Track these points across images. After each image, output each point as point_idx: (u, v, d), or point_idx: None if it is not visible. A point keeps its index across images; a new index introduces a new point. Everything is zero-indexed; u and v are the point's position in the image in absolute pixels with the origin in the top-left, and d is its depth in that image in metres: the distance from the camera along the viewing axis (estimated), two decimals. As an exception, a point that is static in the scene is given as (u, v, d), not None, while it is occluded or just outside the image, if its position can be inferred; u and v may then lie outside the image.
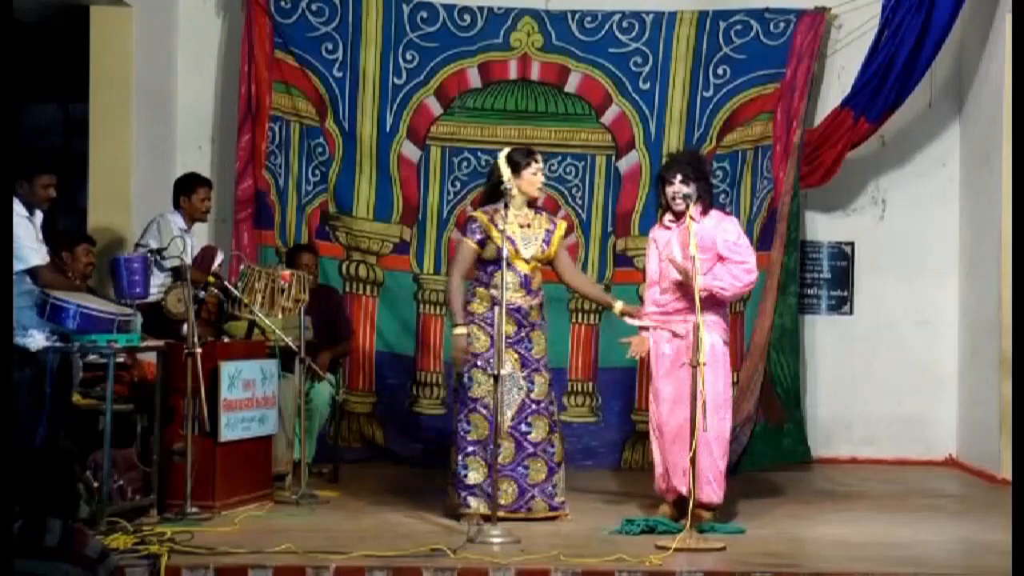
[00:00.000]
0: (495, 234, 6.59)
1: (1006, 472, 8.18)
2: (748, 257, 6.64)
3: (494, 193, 6.73)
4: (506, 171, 6.67)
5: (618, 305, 6.85)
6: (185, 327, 6.83)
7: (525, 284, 6.66)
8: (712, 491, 6.52)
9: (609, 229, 9.27)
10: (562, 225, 6.92)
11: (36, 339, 6.27)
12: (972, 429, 9.17)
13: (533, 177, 6.69)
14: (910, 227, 9.56)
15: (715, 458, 6.53)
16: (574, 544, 6.02)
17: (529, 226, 6.70)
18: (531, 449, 6.60)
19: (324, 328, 8.16)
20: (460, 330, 6.62)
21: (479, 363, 6.59)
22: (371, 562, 5.64)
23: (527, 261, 6.67)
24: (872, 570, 5.75)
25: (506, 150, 6.83)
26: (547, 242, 6.76)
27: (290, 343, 7.32)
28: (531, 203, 6.78)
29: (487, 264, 6.69)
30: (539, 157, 6.79)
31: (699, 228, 6.49)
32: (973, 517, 7.21)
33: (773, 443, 8.78)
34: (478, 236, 6.67)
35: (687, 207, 6.45)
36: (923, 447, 9.51)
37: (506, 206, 6.57)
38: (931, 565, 5.88)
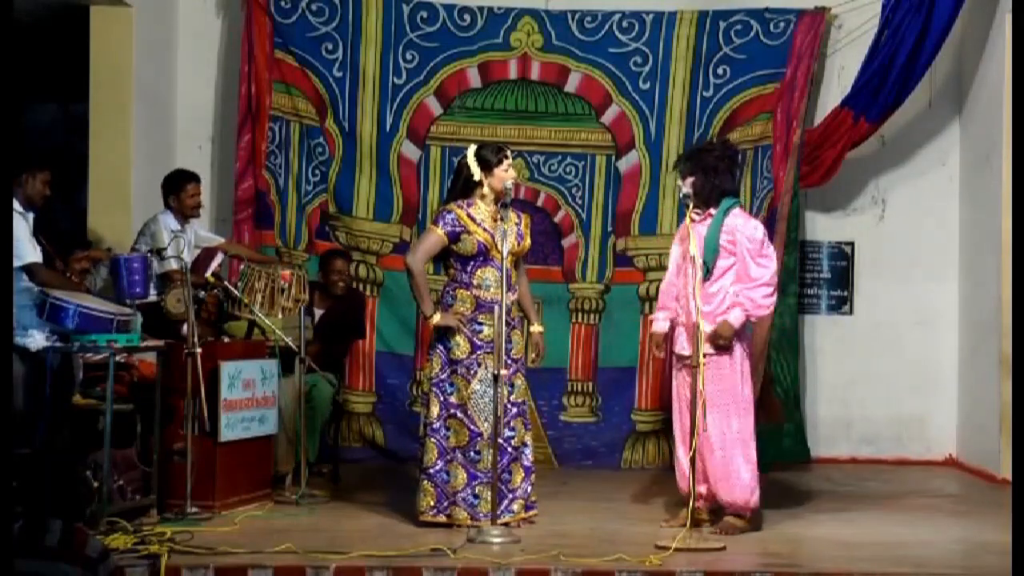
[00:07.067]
0: (473, 228, 6.43)
1: (1006, 472, 8.18)
2: (767, 275, 6.47)
3: (464, 190, 6.56)
4: (476, 168, 6.52)
5: (536, 328, 6.70)
6: (185, 327, 6.83)
7: (505, 280, 6.37)
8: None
9: (609, 229, 9.27)
10: (527, 217, 6.75)
11: (36, 339, 6.27)
12: (972, 429, 9.17)
13: (504, 174, 6.48)
14: (910, 227, 9.57)
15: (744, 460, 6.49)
16: (574, 544, 6.01)
17: (501, 220, 6.43)
18: (513, 454, 6.51)
19: (343, 327, 8.36)
20: (437, 317, 6.44)
21: (459, 370, 6.47)
22: (371, 562, 5.64)
23: (504, 257, 6.36)
24: (872, 570, 5.75)
25: (474, 147, 6.64)
26: (520, 235, 6.59)
27: (290, 343, 7.32)
28: (498, 199, 6.54)
29: (467, 262, 6.49)
30: (509, 153, 6.60)
31: (723, 225, 6.47)
32: (973, 517, 7.21)
33: (773, 443, 8.77)
34: (449, 228, 6.45)
35: (690, 207, 6.44)
36: (923, 447, 9.51)
37: (470, 203, 6.50)
38: (931, 565, 5.87)
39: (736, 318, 6.40)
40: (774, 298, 6.57)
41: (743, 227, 6.49)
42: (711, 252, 6.44)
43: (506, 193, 6.46)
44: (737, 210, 6.58)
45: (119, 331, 6.42)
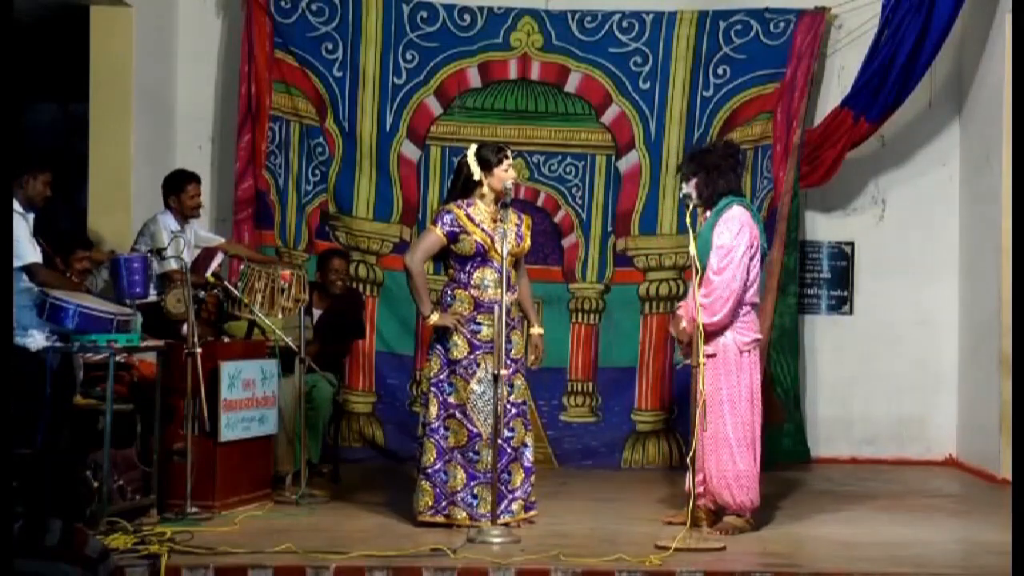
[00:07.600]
0: (472, 228, 6.43)
1: (1006, 472, 8.18)
2: (711, 286, 6.31)
3: (464, 190, 6.55)
4: (476, 168, 6.50)
5: (536, 330, 6.67)
6: (185, 327, 6.83)
7: (505, 281, 6.33)
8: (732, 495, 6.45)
9: (609, 229, 9.27)
10: (527, 218, 6.74)
11: (36, 339, 6.27)
12: (972, 429, 9.17)
13: (504, 174, 6.47)
14: (910, 227, 9.56)
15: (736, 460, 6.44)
16: (574, 544, 6.01)
17: (501, 220, 6.42)
18: (512, 454, 6.49)
19: (342, 327, 8.35)
20: (434, 318, 6.44)
21: (457, 370, 6.46)
22: (371, 562, 5.64)
23: (503, 257, 6.32)
24: (872, 570, 5.75)
25: (474, 147, 6.62)
26: (520, 236, 6.58)
27: (290, 343, 7.32)
28: (498, 199, 6.52)
29: (465, 262, 6.49)
30: (509, 153, 6.58)
31: (715, 226, 6.42)
32: (973, 517, 7.20)
33: (773, 443, 8.77)
34: (448, 228, 6.44)
35: (690, 207, 6.41)
36: (923, 447, 9.51)
37: (469, 203, 6.50)
38: (931, 565, 5.87)
39: (677, 324, 6.44)
40: (713, 317, 6.27)
41: (719, 235, 6.40)
42: (703, 252, 6.41)
43: (506, 193, 6.45)
44: (732, 210, 6.46)
45: (119, 331, 6.42)
